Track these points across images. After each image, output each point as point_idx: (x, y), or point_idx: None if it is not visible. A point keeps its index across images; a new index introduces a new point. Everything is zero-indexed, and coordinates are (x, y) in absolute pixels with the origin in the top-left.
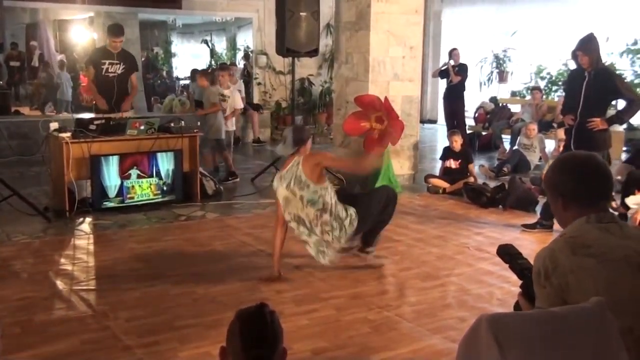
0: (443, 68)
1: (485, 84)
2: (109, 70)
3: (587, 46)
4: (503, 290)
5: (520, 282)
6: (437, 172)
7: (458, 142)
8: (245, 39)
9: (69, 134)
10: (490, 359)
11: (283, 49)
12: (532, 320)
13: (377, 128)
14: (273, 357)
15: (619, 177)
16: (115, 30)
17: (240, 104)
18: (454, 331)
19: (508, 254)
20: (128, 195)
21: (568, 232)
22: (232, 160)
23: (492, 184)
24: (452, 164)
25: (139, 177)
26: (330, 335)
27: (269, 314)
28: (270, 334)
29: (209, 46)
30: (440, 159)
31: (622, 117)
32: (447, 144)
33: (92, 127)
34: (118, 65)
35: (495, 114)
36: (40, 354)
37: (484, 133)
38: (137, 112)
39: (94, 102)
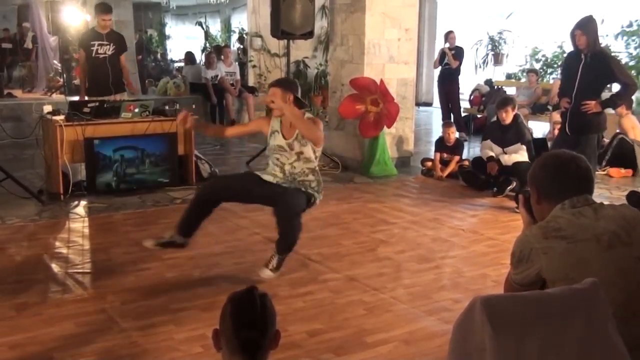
0: (440, 56)
1: (480, 67)
2: (99, 52)
3: (586, 26)
4: (497, 272)
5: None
6: (432, 155)
7: (452, 135)
8: (240, 21)
9: (62, 117)
10: (484, 340)
11: (278, 31)
12: (526, 301)
13: (372, 111)
14: (264, 340)
15: None
16: (104, 7)
17: None
18: (448, 313)
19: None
20: (123, 178)
21: (545, 219)
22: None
23: None
24: (446, 157)
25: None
26: (325, 318)
27: (258, 297)
28: (260, 317)
29: (203, 28)
30: (435, 150)
31: (616, 100)
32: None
33: (86, 109)
34: (108, 46)
35: (490, 97)
36: (35, 337)
37: (479, 116)
38: (131, 95)
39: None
